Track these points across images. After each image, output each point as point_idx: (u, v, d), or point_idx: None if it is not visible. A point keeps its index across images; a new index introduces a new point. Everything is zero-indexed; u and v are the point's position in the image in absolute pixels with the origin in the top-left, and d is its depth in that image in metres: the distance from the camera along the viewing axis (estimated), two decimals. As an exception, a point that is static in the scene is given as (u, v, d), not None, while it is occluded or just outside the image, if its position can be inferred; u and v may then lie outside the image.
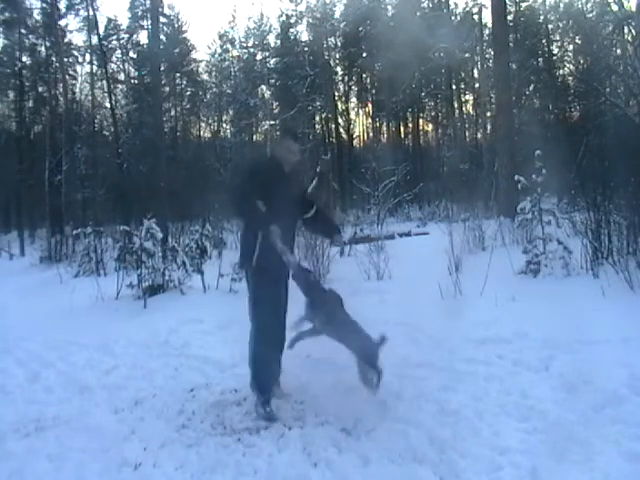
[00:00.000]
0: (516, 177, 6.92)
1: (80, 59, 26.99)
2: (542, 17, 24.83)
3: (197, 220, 12.56)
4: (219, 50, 28.30)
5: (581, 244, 6.26)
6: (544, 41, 24.41)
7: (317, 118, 27.82)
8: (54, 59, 23.79)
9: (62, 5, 23.82)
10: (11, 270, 12.58)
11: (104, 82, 23.85)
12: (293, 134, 3.82)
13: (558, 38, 25.74)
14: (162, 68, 21.64)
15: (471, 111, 27.57)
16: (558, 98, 21.86)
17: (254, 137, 27.65)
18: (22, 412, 3.48)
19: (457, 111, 27.07)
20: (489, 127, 21.57)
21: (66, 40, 25.23)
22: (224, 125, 28.77)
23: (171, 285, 7.14)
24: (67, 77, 24.45)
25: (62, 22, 24.26)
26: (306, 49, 25.33)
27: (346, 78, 28.69)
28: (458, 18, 25.32)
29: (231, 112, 26.44)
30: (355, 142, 30.03)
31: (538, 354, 3.77)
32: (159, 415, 3.32)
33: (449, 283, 5.74)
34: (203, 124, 30.48)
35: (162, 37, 25.76)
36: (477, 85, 25.60)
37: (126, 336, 5.13)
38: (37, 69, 23.91)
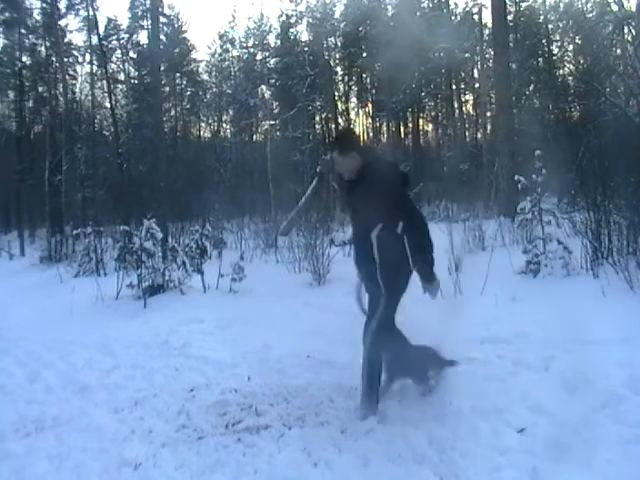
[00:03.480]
0: (516, 177, 6.91)
1: (80, 59, 26.99)
2: (542, 17, 24.83)
3: (197, 220, 12.55)
4: (219, 50, 28.35)
5: (581, 244, 6.26)
6: (544, 41, 24.40)
7: (317, 118, 27.79)
8: (54, 59, 23.75)
9: (62, 5, 23.78)
10: (11, 270, 12.58)
11: (104, 82, 23.81)
12: (334, 147, 3.29)
13: (558, 38, 25.74)
14: (162, 68, 21.66)
15: (471, 111, 27.58)
16: (558, 98, 21.85)
17: (254, 137, 27.68)
18: (22, 412, 3.47)
19: (457, 111, 27.07)
20: (489, 127, 21.56)
21: (66, 40, 25.19)
22: (224, 125, 28.84)
23: (171, 285, 7.14)
24: (67, 77, 24.42)
25: (62, 22, 24.23)
26: (306, 49, 25.29)
27: (346, 78, 28.66)
28: (458, 18, 25.30)
29: (231, 112, 26.46)
30: (355, 142, 29.97)
31: (538, 354, 3.77)
32: (159, 415, 3.32)
33: (449, 283, 5.73)
34: (203, 124, 30.52)
35: (162, 37, 25.77)
36: (477, 85, 25.59)
37: (126, 336, 5.13)
38: (37, 69, 23.87)
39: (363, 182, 3.05)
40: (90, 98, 25.62)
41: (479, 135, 25.28)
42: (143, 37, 28.75)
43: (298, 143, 23.31)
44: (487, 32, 20.90)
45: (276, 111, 25.31)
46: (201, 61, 29.60)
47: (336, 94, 27.13)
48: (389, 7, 26.54)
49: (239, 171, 22.48)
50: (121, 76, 29.19)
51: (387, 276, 3.00)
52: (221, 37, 28.04)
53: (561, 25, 25.47)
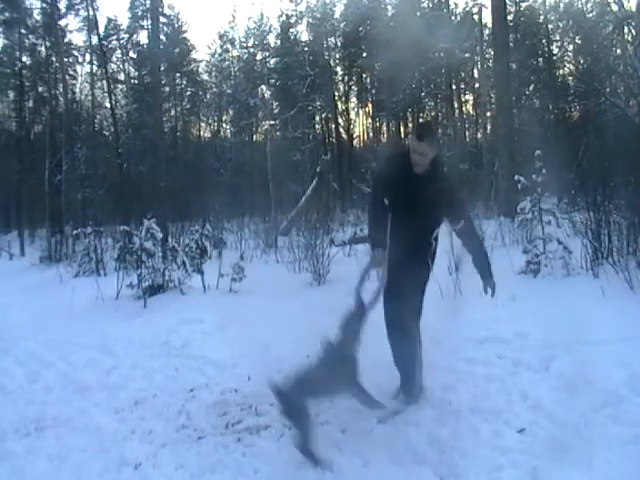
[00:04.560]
0: (516, 177, 6.92)
1: (80, 59, 26.98)
2: (542, 17, 24.80)
3: (197, 220, 12.55)
4: (219, 50, 28.32)
5: (581, 244, 6.26)
6: (544, 41, 24.37)
7: (317, 118, 27.79)
8: (54, 59, 23.74)
9: (62, 5, 23.75)
10: (11, 270, 12.58)
11: (104, 82, 23.82)
12: (418, 133, 3.14)
13: (558, 38, 25.70)
14: (162, 68, 21.65)
15: (471, 111, 27.55)
16: (558, 98, 21.83)
17: (254, 137, 27.68)
18: (22, 412, 3.48)
19: (457, 111, 27.03)
20: (489, 127, 21.56)
21: (66, 40, 25.16)
22: (224, 125, 28.81)
23: (171, 285, 7.13)
24: (67, 77, 24.40)
25: (62, 22, 24.18)
26: (306, 49, 25.29)
27: (346, 78, 28.66)
28: (458, 18, 25.26)
29: (231, 112, 26.45)
30: (355, 142, 30.05)
31: (538, 354, 3.77)
32: (159, 415, 3.33)
33: (449, 283, 5.73)
34: (203, 124, 30.50)
35: (162, 37, 25.76)
36: (477, 85, 25.58)
37: (126, 336, 5.13)
38: (37, 69, 23.86)
39: (431, 179, 3.08)
40: (90, 98, 25.63)
41: (479, 135, 25.29)
42: (143, 37, 28.77)
43: (298, 143, 23.29)
44: (487, 32, 20.91)
45: (276, 111, 25.29)
46: (201, 61, 29.63)
47: (336, 94, 27.15)
48: (389, 7, 26.53)
49: (239, 171, 22.44)
50: (121, 76, 29.19)
51: (426, 275, 3.30)
52: (221, 37, 28.05)
53: (561, 25, 25.44)
